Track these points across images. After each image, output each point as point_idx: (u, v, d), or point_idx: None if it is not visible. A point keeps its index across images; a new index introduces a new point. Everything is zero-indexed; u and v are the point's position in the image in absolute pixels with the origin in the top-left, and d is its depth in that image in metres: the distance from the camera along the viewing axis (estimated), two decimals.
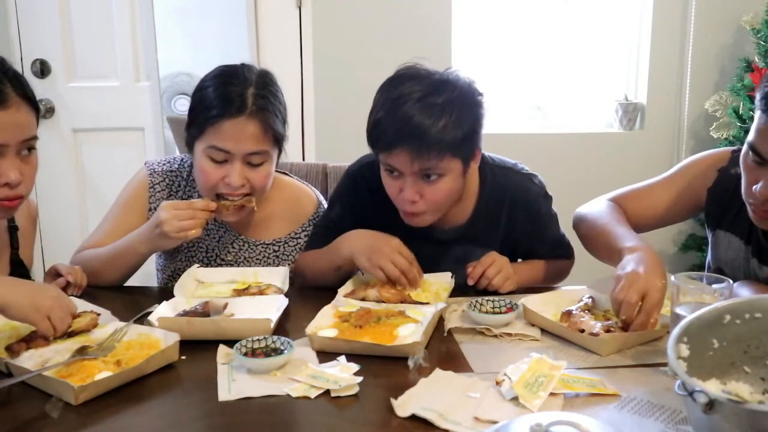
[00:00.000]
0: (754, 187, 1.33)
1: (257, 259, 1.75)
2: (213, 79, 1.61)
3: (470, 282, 1.55)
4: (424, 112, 1.44)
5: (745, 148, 1.35)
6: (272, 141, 1.60)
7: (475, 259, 1.59)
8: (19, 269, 1.59)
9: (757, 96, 1.30)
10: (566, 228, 1.75)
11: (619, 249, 1.43)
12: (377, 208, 1.66)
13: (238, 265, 1.73)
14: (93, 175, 3.17)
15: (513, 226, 1.69)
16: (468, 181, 1.61)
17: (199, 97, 1.61)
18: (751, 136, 1.32)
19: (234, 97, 1.55)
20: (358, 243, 1.57)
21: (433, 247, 1.66)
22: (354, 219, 1.68)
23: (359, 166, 1.73)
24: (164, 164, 1.78)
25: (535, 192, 1.68)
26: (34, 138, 1.40)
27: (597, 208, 1.65)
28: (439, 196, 1.52)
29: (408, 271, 1.51)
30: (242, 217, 1.67)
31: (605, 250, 1.52)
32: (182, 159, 1.78)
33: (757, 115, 1.31)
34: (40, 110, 1.44)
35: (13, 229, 1.59)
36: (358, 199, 1.71)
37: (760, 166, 1.32)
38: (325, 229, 1.72)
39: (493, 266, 1.56)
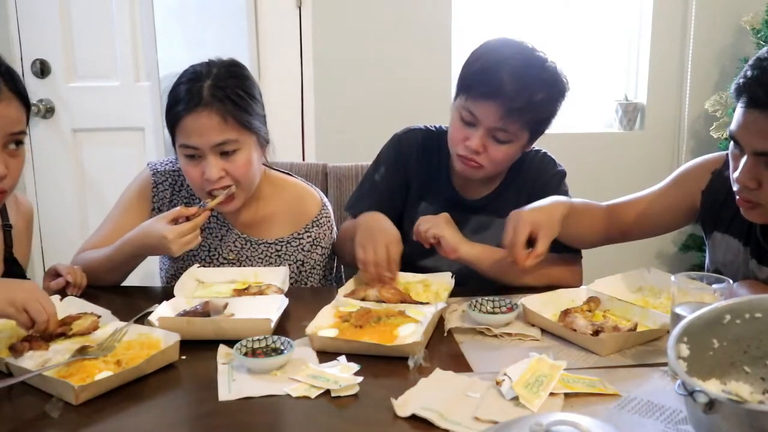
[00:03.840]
0: (734, 174, 1.35)
1: (259, 258, 1.75)
2: (179, 79, 1.64)
3: (414, 238, 1.60)
4: (527, 81, 1.56)
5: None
6: (238, 128, 1.60)
7: (493, 228, 1.68)
8: (14, 268, 1.59)
9: (732, 87, 1.32)
10: None
11: None
12: (417, 172, 1.78)
13: (240, 264, 1.74)
14: (93, 175, 3.17)
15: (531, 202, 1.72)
16: (510, 163, 1.72)
17: (168, 100, 1.64)
18: (731, 126, 1.34)
19: (193, 93, 1.58)
20: (365, 221, 1.63)
21: (459, 213, 1.69)
22: (397, 179, 1.79)
23: (405, 131, 1.83)
24: (167, 164, 1.79)
25: (552, 174, 1.76)
26: (23, 133, 1.41)
27: None
28: (500, 156, 1.63)
29: (378, 264, 1.55)
30: (235, 207, 1.67)
31: None
32: None
33: (737, 106, 1.33)
34: (31, 108, 1.44)
35: (6, 227, 1.59)
36: (401, 161, 1.80)
37: (742, 154, 1.34)
38: (368, 191, 1.79)
39: (425, 220, 1.60)
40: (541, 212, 1.51)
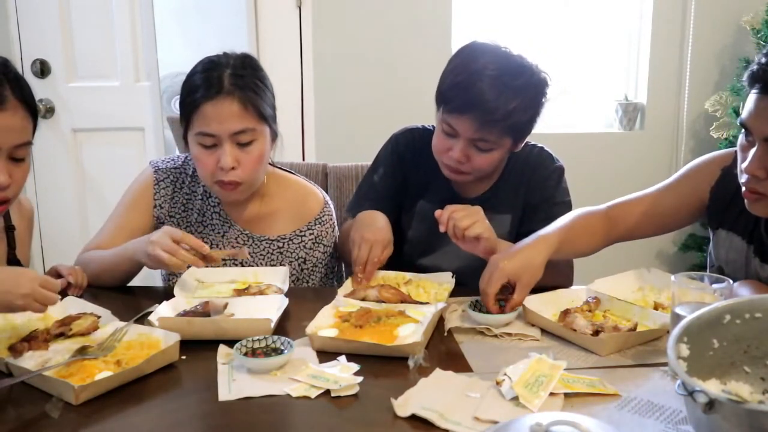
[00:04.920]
0: (742, 164, 1.35)
1: (261, 254, 1.75)
2: (194, 69, 1.65)
3: (442, 229, 1.51)
4: (501, 91, 1.55)
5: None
6: (256, 117, 1.61)
7: (491, 224, 1.62)
8: None
9: (745, 75, 1.33)
10: None
11: None
12: (415, 172, 1.81)
13: (242, 260, 1.74)
14: (93, 175, 3.17)
15: (530, 199, 1.76)
16: (498, 167, 1.74)
17: (183, 89, 1.65)
18: (742, 115, 1.34)
19: (212, 81, 1.59)
20: (360, 219, 1.66)
21: None
22: (395, 179, 1.81)
23: (402, 132, 1.86)
24: (168, 162, 1.81)
25: (551, 170, 1.76)
26: (28, 143, 1.39)
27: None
28: (483, 164, 1.64)
29: (356, 263, 1.57)
30: (238, 197, 1.69)
31: None
32: (186, 157, 1.80)
33: (749, 94, 1.34)
34: (38, 115, 1.43)
35: (9, 229, 1.59)
36: (399, 161, 1.82)
37: (752, 145, 1.33)
38: (367, 192, 1.81)
39: (462, 209, 1.52)
40: (520, 260, 1.43)
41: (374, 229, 1.61)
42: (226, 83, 1.58)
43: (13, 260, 1.59)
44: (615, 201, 1.70)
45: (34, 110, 1.40)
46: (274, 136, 1.69)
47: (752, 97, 1.31)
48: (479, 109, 1.55)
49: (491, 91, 1.54)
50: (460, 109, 1.57)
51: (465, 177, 1.68)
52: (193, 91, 1.60)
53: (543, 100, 1.63)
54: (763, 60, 1.29)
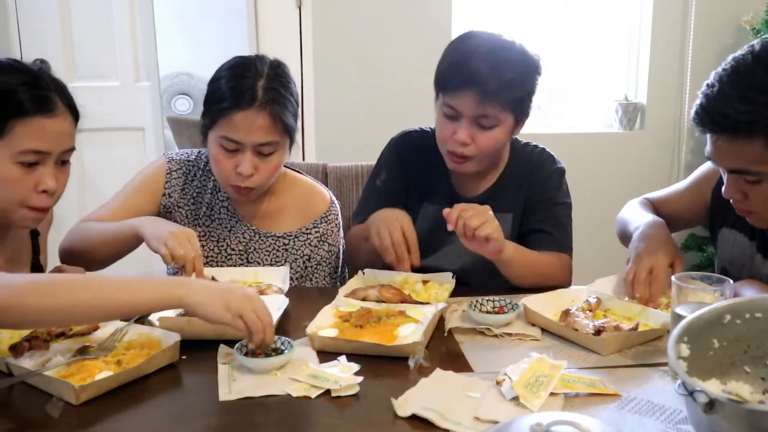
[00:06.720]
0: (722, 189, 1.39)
1: (267, 250, 1.76)
2: (227, 70, 1.65)
3: (450, 227, 1.51)
4: (496, 63, 1.58)
5: None
6: (282, 131, 1.62)
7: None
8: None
9: (692, 115, 1.34)
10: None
11: (630, 232, 1.61)
12: (418, 171, 1.81)
13: (248, 256, 1.76)
14: (93, 175, 3.17)
15: (530, 199, 1.76)
16: (501, 151, 1.74)
17: (213, 88, 1.64)
18: (706, 147, 1.37)
19: (245, 89, 1.58)
20: (375, 216, 1.65)
21: None
22: (399, 182, 1.82)
23: (400, 135, 1.87)
24: (182, 154, 1.83)
25: (551, 171, 1.78)
26: (73, 149, 1.41)
27: (627, 207, 1.76)
28: (488, 143, 1.64)
29: (398, 245, 1.56)
30: (251, 198, 1.71)
31: (626, 239, 1.66)
32: (199, 151, 1.82)
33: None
34: (79, 120, 1.43)
35: (34, 234, 1.59)
36: (401, 164, 1.83)
37: (723, 171, 1.37)
38: (371, 196, 1.82)
39: (471, 209, 1.52)
40: (667, 242, 1.53)
41: (394, 215, 1.61)
42: (260, 95, 1.58)
43: (36, 265, 1.58)
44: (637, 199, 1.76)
45: (77, 114, 1.41)
46: (291, 143, 1.70)
47: (707, 135, 1.34)
48: (477, 84, 1.56)
49: (486, 65, 1.57)
50: (460, 86, 1.58)
51: (469, 164, 1.66)
52: (223, 96, 1.59)
53: (537, 75, 1.65)
54: (704, 101, 1.30)
